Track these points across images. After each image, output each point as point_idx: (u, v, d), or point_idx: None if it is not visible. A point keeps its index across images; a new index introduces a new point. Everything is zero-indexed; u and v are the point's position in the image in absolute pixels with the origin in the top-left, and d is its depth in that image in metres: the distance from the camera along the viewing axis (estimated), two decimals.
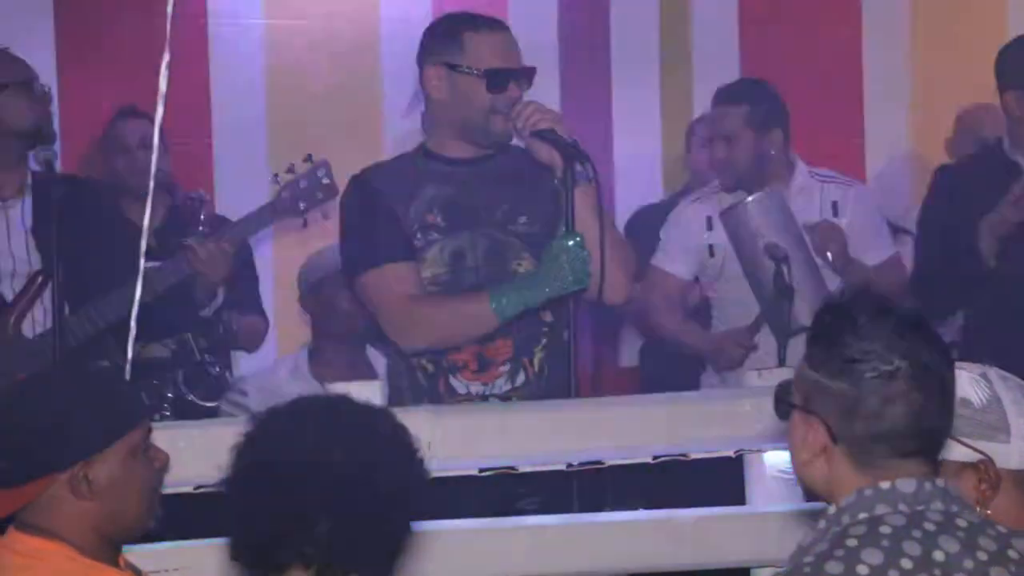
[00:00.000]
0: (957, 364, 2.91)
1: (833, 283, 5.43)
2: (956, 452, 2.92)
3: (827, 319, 2.64)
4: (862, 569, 2.49)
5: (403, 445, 2.82)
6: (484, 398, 4.37)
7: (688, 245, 5.66)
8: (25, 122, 4.98)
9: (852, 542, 2.53)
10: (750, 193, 5.50)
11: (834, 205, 5.56)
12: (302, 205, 5.02)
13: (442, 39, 4.43)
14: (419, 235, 4.39)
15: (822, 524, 2.61)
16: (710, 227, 5.60)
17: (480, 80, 4.35)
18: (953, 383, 2.67)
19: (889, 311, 2.64)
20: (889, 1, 7.59)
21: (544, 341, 4.40)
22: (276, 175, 5.08)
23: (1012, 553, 2.56)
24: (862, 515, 2.57)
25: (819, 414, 2.61)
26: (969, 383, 2.94)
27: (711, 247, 5.61)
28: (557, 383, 4.34)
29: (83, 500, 3.11)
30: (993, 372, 2.97)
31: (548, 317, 4.38)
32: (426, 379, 4.39)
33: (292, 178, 5.01)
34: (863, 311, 2.63)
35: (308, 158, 5.04)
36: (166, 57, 4.07)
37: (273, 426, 2.82)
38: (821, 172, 5.71)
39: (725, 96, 5.76)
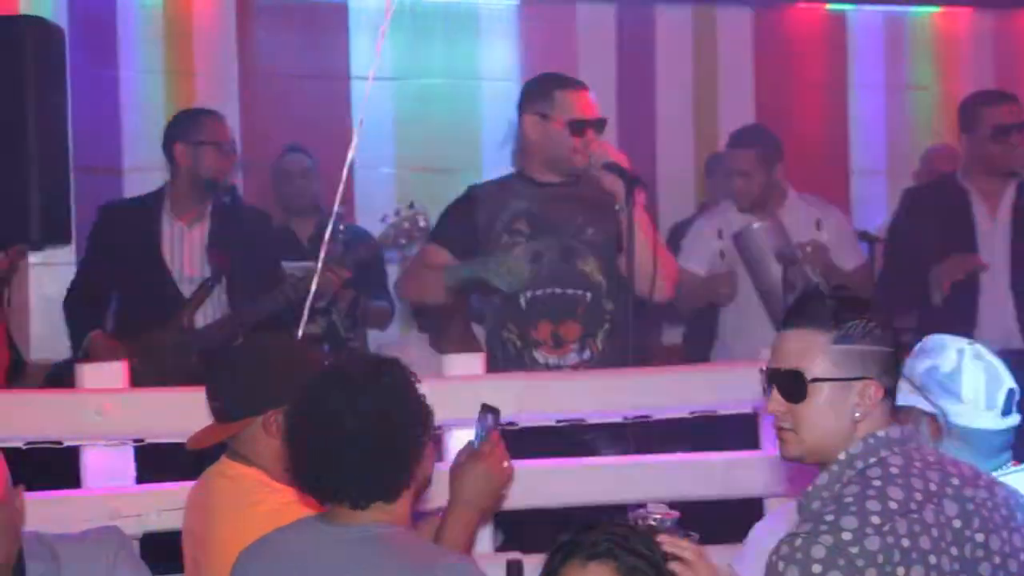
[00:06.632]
0: (947, 336, 2.98)
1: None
2: (923, 402, 2.95)
3: (848, 303, 2.60)
4: (892, 504, 2.46)
5: (405, 404, 2.75)
6: (559, 367, 4.32)
7: (703, 250, 5.58)
8: (210, 172, 5.00)
9: (877, 483, 2.50)
10: (757, 214, 5.45)
11: (818, 222, 5.46)
12: (402, 241, 4.95)
13: (537, 94, 4.42)
14: (506, 236, 4.38)
15: (835, 468, 2.55)
16: (720, 237, 5.52)
17: (565, 127, 4.35)
18: None
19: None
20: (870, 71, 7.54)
21: (606, 326, 4.36)
22: (385, 216, 4.98)
23: (968, 476, 2.57)
24: (872, 459, 2.54)
25: (869, 376, 2.56)
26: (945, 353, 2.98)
27: (721, 252, 5.53)
28: (615, 357, 4.30)
29: (273, 438, 3.15)
30: (971, 348, 2.98)
31: (609, 306, 4.34)
32: (515, 351, 4.36)
33: (397, 220, 4.92)
34: (863, 295, 2.66)
35: (411, 205, 4.93)
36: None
37: (302, 396, 2.78)
38: (806, 196, 5.61)
39: (739, 139, 5.67)
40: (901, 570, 2.41)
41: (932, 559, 2.44)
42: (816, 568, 2.40)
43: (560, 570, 2.49)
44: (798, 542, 2.43)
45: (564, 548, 2.51)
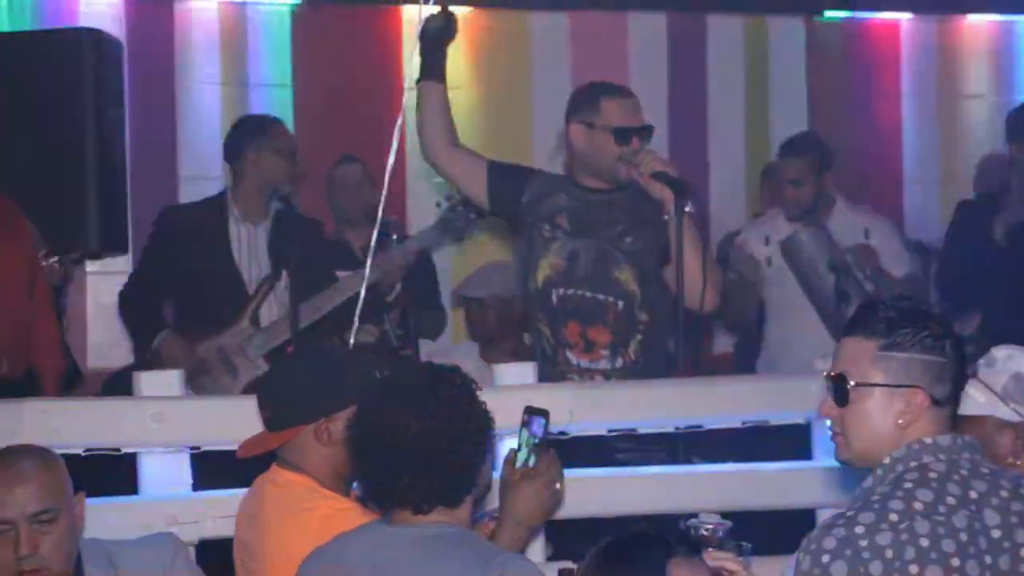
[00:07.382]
0: (1017, 348, 2.94)
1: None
2: (1002, 411, 2.92)
3: (904, 313, 2.60)
4: (918, 505, 2.48)
5: (468, 412, 2.79)
6: (591, 372, 4.28)
7: (748, 256, 5.60)
8: (278, 177, 5.07)
9: (908, 485, 2.52)
10: (805, 222, 5.45)
11: (866, 230, 5.45)
12: (459, 225, 4.97)
13: (583, 103, 4.38)
14: (547, 227, 4.36)
15: (879, 472, 2.58)
16: (767, 244, 5.53)
17: (609, 135, 4.34)
18: None
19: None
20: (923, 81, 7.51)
21: (639, 336, 4.30)
22: (438, 203, 5.03)
23: (1023, 491, 2.56)
24: (913, 463, 2.56)
25: (917, 384, 2.57)
26: None
27: (768, 258, 5.54)
28: (651, 367, 4.27)
29: (324, 446, 3.18)
30: None
31: (644, 317, 4.30)
32: (550, 349, 4.32)
33: (455, 202, 4.95)
34: (923, 305, 2.66)
35: None
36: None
37: (366, 405, 2.83)
38: (853, 205, 5.61)
39: (791, 148, 5.65)
40: (914, 568, 2.43)
41: (955, 562, 2.45)
42: (824, 558, 2.46)
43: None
44: (815, 533, 2.50)
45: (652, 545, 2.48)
